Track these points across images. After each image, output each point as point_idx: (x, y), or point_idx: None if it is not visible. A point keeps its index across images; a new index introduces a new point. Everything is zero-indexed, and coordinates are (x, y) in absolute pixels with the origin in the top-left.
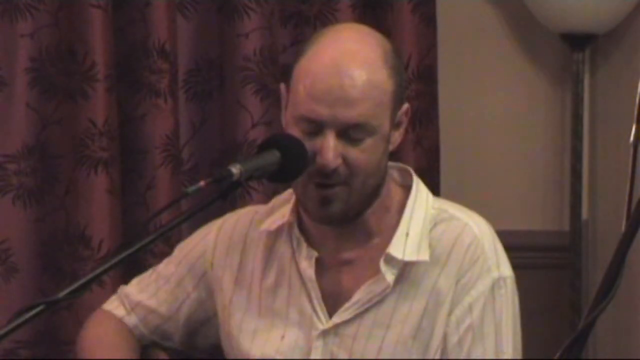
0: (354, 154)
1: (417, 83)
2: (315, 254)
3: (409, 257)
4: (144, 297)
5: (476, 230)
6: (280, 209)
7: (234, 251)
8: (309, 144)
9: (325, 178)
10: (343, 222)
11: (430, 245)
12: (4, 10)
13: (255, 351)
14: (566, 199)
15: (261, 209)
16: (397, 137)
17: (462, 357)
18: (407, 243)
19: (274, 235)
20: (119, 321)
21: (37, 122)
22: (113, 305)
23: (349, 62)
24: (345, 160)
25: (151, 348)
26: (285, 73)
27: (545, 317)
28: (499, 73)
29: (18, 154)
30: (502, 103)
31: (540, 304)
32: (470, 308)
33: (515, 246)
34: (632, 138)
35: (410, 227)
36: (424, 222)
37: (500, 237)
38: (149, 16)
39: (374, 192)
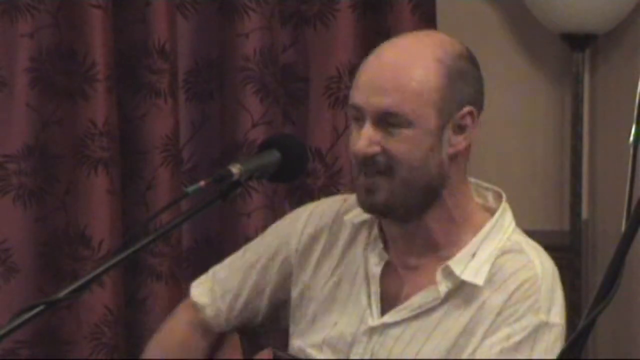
0: (393, 143)
1: None
2: (386, 256)
3: (466, 276)
4: (234, 280)
5: (539, 270)
6: None
7: (319, 239)
8: (357, 134)
9: (364, 166)
10: (388, 214)
11: (489, 271)
12: (4, 10)
13: (311, 336)
14: (566, 199)
15: (350, 198)
16: (460, 140)
17: None
18: (470, 263)
19: (357, 227)
20: (198, 315)
21: (37, 122)
22: (201, 291)
23: (394, 55)
24: (384, 149)
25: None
26: (285, 73)
27: None
28: (499, 73)
29: (18, 154)
30: (502, 103)
31: None
32: (507, 338)
33: None
34: (632, 138)
35: (480, 249)
36: (494, 249)
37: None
38: (149, 16)
39: (426, 190)
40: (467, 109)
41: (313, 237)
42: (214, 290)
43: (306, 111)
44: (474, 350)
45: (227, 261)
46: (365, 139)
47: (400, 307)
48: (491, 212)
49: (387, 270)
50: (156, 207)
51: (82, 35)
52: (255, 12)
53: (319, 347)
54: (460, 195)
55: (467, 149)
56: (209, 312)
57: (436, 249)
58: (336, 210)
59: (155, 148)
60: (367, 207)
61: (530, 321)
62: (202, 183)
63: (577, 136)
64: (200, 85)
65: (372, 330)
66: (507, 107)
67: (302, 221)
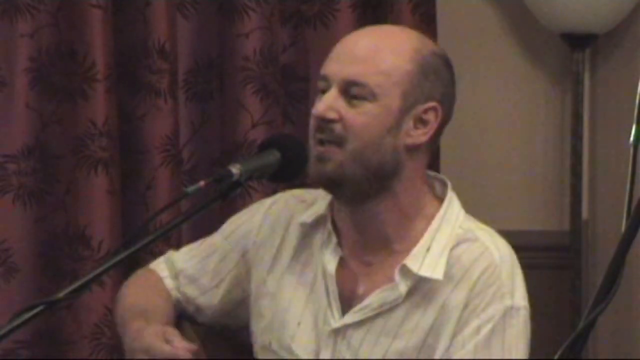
0: (352, 114)
1: None
2: (340, 252)
3: (424, 272)
4: (188, 266)
5: (496, 256)
6: (320, 202)
7: (276, 234)
8: (318, 102)
9: (319, 132)
10: (335, 187)
11: (447, 263)
12: (4, 10)
13: (274, 334)
14: (566, 199)
15: (309, 196)
16: (419, 134)
17: None
18: (426, 258)
19: (312, 226)
20: (161, 280)
21: (37, 122)
22: (159, 267)
23: (375, 35)
24: (342, 118)
25: (182, 324)
26: (285, 73)
27: (545, 317)
28: (499, 73)
29: (18, 154)
30: (502, 103)
31: (540, 304)
32: (477, 330)
33: (515, 246)
34: (632, 138)
35: (434, 242)
36: (448, 240)
37: (500, 237)
38: (149, 16)
39: (376, 172)
40: (432, 104)
41: (269, 234)
42: (170, 269)
43: (306, 111)
44: (447, 349)
45: (184, 250)
46: (325, 102)
47: (359, 306)
48: (439, 200)
49: (342, 267)
50: (156, 207)
51: (82, 35)
52: (255, 12)
53: (287, 347)
54: (414, 191)
55: (428, 146)
56: (168, 282)
57: (388, 242)
58: (294, 208)
59: (155, 148)
60: (316, 176)
61: (496, 309)
62: (202, 183)
63: (577, 136)
64: (200, 85)
65: (336, 333)
66: (507, 107)
67: (260, 216)
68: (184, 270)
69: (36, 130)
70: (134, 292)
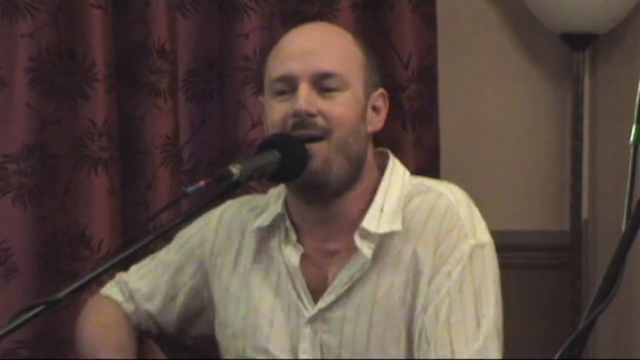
0: (330, 106)
1: (417, 83)
2: (301, 247)
3: (382, 229)
4: (142, 285)
5: (452, 198)
6: (273, 205)
7: (232, 241)
8: (284, 106)
9: (303, 127)
10: (321, 185)
11: (406, 218)
12: (4, 10)
13: (247, 339)
14: (566, 199)
15: (260, 200)
16: (377, 121)
17: (439, 326)
18: (381, 217)
19: (267, 229)
20: (119, 306)
21: (37, 122)
22: (112, 292)
23: (316, 28)
24: (321, 112)
25: (144, 340)
26: None
27: (545, 317)
28: (499, 73)
29: (18, 154)
30: (502, 103)
31: (540, 304)
32: (449, 274)
33: (515, 246)
34: (632, 138)
35: (385, 202)
36: (400, 197)
37: (501, 237)
38: (149, 16)
39: (355, 162)
40: (381, 90)
41: (226, 242)
42: (124, 292)
43: None
44: (426, 298)
45: (134, 269)
46: (304, 97)
47: (329, 289)
48: (381, 170)
49: (305, 260)
50: (156, 207)
51: (82, 35)
52: (255, 12)
53: (264, 350)
54: (372, 174)
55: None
56: (126, 307)
57: (354, 227)
58: (246, 213)
59: (155, 148)
60: (303, 176)
61: (462, 250)
62: (202, 183)
63: (577, 136)
64: (200, 85)
65: (313, 320)
66: (507, 107)
67: (213, 224)
68: (139, 289)
69: (36, 130)
70: (91, 330)
